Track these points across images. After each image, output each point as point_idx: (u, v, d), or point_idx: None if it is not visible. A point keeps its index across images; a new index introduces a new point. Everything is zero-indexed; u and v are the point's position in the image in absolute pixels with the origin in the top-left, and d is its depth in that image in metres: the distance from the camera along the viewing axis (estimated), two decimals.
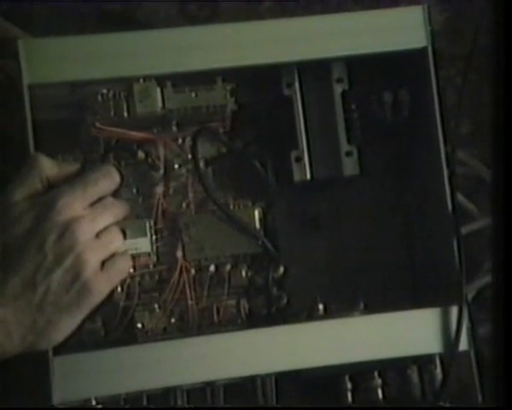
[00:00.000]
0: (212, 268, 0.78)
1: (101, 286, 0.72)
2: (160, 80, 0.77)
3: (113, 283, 0.74)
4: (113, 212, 0.74)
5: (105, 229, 0.73)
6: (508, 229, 0.70)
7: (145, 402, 0.74)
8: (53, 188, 0.72)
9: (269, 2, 0.89)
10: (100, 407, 0.72)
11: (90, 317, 0.74)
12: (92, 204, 0.73)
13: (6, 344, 0.68)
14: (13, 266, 0.69)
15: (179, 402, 0.74)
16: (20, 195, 0.71)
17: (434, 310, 0.75)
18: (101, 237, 0.73)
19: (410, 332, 0.75)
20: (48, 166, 0.72)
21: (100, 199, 0.74)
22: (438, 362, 0.76)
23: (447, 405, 0.75)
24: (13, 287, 0.68)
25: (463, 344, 0.75)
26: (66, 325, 0.71)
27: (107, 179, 0.75)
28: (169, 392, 0.74)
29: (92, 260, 0.71)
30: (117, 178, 0.76)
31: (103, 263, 0.72)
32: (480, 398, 0.75)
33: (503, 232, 0.71)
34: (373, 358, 0.74)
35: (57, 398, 0.70)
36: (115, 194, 0.76)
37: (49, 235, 0.69)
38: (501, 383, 0.68)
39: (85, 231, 0.71)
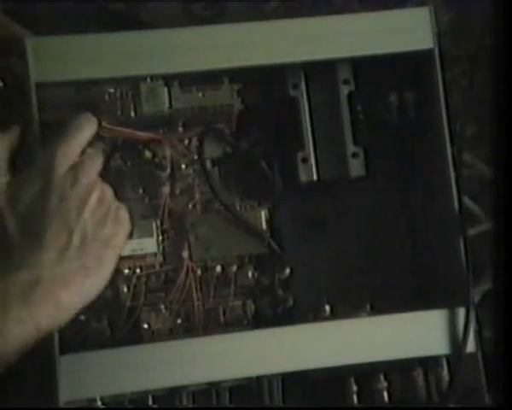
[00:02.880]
0: (218, 269, 0.78)
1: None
2: (167, 80, 0.77)
3: None
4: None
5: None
6: (509, 231, 0.70)
7: (150, 404, 0.74)
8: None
9: (275, 2, 0.89)
10: (104, 407, 0.72)
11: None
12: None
13: (64, 295, 0.67)
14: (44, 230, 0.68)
15: (185, 404, 0.74)
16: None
17: (441, 311, 0.75)
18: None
19: (417, 334, 0.75)
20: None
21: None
22: (444, 364, 0.76)
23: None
24: (53, 247, 0.68)
25: (470, 346, 0.75)
26: (112, 259, 0.71)
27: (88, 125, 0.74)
28: (174, 394, 0.74)
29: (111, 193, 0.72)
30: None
31: None
32: (487, 400, 0.75)
33: (503, 235, 0.71)
34: (379, 359, 0.74)
35: (64, 396, 0.70)
36: (120, 194, 0.76)
37: (63, 186, 0.69)
38: (501, 383, 0.69)
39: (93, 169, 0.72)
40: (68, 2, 0.87)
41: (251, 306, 0.78)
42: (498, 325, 0.71)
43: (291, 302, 0.78)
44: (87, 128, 0.73)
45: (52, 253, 0.67)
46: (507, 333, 0.72)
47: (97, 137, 0.76)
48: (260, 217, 0.79)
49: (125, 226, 0.72)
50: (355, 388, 0.76)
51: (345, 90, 0.79)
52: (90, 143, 0.74)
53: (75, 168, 0.70)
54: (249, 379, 0.74)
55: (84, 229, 0.69)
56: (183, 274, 0.77)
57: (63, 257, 0.67)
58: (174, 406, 0.74)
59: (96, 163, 0.73)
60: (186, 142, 0.79)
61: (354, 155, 0.78)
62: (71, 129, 0.72)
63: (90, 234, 0.69)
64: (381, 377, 0.76)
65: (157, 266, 0.77)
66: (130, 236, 0.75)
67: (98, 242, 0.69)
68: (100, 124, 0.75)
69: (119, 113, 0.77)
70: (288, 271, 0.79)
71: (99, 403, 0.72)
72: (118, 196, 0.75)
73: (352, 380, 0.76)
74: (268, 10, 0.89)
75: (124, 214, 0.72)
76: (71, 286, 0.67)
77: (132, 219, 0.75)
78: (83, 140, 0.73)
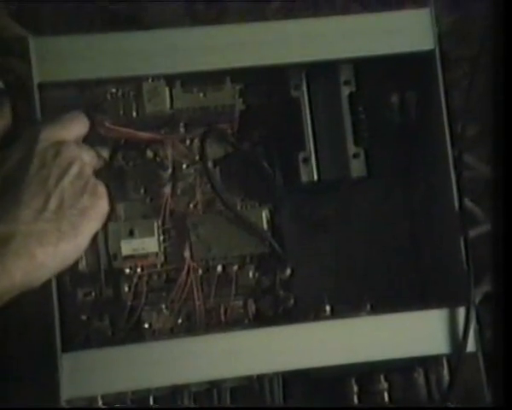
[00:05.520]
0: (219, 268, 0.78)
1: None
2: (169, 80, 0.77)
3: None
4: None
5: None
6: (508, 232, 0.71)
7: (151, 404, 0.74)
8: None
9: (276, 3, 0.89)
10: (104, 407, 0.73)
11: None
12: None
13: (38, 252, 0.68)
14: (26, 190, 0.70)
15: (186, 405, 0.74)
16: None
17: (441, 311, 0.75)
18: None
19: (417, 333, 0.75)
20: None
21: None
22: (445, 364, 0.76)
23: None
24: (31, 209, 0.69)
25: (471, 346, 0.75)
26: (88, 229, 0.72)
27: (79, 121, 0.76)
28: (175, 394, 0.74)
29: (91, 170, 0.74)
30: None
31: None
32: (487, 399, 0.75)
33: (502, 235, 0.71)
34: (380, 358, 0.74)
35: (65, 394, 0.70)
36: (122, 194, 0.77)
37: (45, 155, 0.71)
38: (501, 382, 0.69)
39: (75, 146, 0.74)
40: (70, 3, 0.87)
41: (252, 305, 0.78)
42: (498, 325, 0.71)
43: (292, 302, 0.79)
44: (77, 123, 0.75)
45: (29, 211, 0.69)
46: (507, 333, 0.72)
47: (99, 137, 0.76)
48: (261, 217, 0.79)
49: (103, 202, 0.74)
50: (355, 388, 0.76)
51: (346, 91, 0.79)
52: (86, 140, 0.76)
53: (59, 144, 0.72)
54: (250, 379, 0.74)
55: (62, 196, 0.70)
56: (184, 274, 0.77)
57: (39, 217, 0.69)
58: (175, 406, 0.74)
59: (78, 144, 0.74)
60: (188, 142, 0.79)
61: (355, 156, 0.78)
62: (61, 118, 0.74)
63: (67, 201, 0.70)
64: (382, 377, 0.76)
65: (158, 266, 0.78)
66: (132, 235, 0.76)
67: (75, 210, 0.71)
68: (94, 125, 0.76)
69: (121, 113, 0.77)
70: (288, 271, 0.79)
71: (100, 402, 0.72)
72: (119, 195, 0.77)
73: (353, 380, 0.76)
74: (269, 11, 0.89)
75: (102, 190, 0.74)
76: (45, 245, 0.69)
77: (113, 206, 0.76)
78: (71, 130, 0.74)
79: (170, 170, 0.78)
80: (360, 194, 0.81)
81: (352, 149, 0.78)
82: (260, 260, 0.79)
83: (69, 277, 0.76)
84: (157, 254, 0.77)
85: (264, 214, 0.79)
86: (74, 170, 0.71)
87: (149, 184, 0.78)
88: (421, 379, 0.76)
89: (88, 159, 0.74)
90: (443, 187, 0.78)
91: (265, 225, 0.79)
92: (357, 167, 0.78)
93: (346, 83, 0.79)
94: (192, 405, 0.75)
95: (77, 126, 0.75)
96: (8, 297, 0.67)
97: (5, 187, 0.70)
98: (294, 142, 0.79)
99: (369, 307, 0.79)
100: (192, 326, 0.77)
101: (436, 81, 0.78)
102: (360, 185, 0.80)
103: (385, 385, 0.76)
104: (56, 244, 0.69)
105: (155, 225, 0.77)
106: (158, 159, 0.78)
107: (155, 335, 0.77)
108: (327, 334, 0.74)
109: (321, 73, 0.79)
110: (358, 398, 0.76)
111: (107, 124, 0.76)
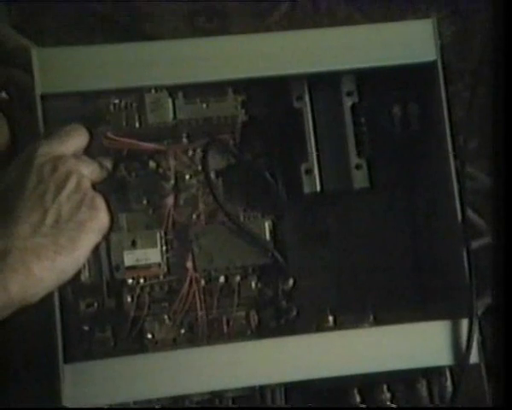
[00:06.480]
0: (221, 279, 0.78)
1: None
2: (172, 91, 0.78)
3: None
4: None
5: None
6: (509, 243, 0.71)
7: None
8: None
9: (278, 14, 0.89)
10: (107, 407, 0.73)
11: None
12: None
13: (35, 266, 0.68)
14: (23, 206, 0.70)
15: None
16: None
17: (444, 323, 0.75)
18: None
19: (420, 344, 0.75)
20: None
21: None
22: (448, 375, 0.76)
23: None
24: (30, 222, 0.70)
25: (474, 357, 0.75)
26: (86, 242, 0.72)
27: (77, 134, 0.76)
28: (178, 404, 0.74)
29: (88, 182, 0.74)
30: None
31: None
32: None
33: (504, 246, 0.71)
34: (383, 370, 0.74)
35: (67, 405, 0.70)
36: (124, 205, 0.77)
37: (42, 171, 0.71)
38: (503, 393, 0.69)
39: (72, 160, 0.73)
40: (73, 14, 0.87)
41: (254, 316, 0.78)
42: (501, 336, 0.71)
43: (294, 313, 0.79)
44: (76, 136, 0.75)
45: (26, 227, 0.69)
46: (510, 344, 0.72)
47: (102, 148, 0.77)
48: (264, 228, 0.79)
49: (101, 214, 0.74)
50: (358, 398, 0.76)
51: (348, 102, 0.79)
52: (88, 151, 0.76)
53: (56, 158, 0.72)
54: (252, 389, 0.74)
55: (59, 210, 0.71)
56: (186, 284, 0.77)
57: (36, 232, 0.69)
58: None
59: (77, 157, 0.74)
60: (190, 153, 0.79)
61: (357, 167, 0.78)
62: (59, 132, 0.75)
63: (64, 216, 0.71)
64: (385, 388, 0.76)
65: (161, 277, 0.77)
66: (135, 246, 0.76)
67: (72, 224, 0.71)
68: (95, 136, 0.76)
69: (123, 123, 0.77)
70: (291, 281, 0.79)
71: None
72: (122, 206, 0.77)
73: (356, 391, 0.76)
74: (271, 22, 0.89)
75: (100, 203, 0.74)
76: (43, 259, 0.69)
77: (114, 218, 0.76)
78: (69, 144, 0.74)
79: (172, 181, 0.78)
80: (363, 205, 0.81)
81: (354, 160, 0.79)
82: (263, 270, 0.79)
83: (71, 288, 0.76)
84: (160, 264, 0.77)
85: (267, 225, 0.79)
86: (72, 183, 0.72)
87: (152, 195, 0.78)
88: (423, 390, 0.76)
89: (86, 171, 0.74)
90: (445, 198, 0.78)
91: (268, 236, 0.79)
92: (359, 178, 0.78)
93: (349, 94, 0.80)
94: None
95: (75, 140, 0.75)
96: (6, 313, 0.67)
97: (3, 203, 0.70)
98: (297, 153, 0.79)
99: (371, 318, 0.79)
100: (194, 337, 0.77)
101: (438, 92, 0.78)
102: (363, 196, 0.80)
103: (388, 395, 0.76)
104: (54, 258, 0.69)
105: (158, 235, 0.77)
106: (160, 170, 0.78)
107: (158, 346, 0.76)
108: (329, 345, 0.74)
109: (323, 83, 0.79)
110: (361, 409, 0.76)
111: (109, 135, 0.76)
